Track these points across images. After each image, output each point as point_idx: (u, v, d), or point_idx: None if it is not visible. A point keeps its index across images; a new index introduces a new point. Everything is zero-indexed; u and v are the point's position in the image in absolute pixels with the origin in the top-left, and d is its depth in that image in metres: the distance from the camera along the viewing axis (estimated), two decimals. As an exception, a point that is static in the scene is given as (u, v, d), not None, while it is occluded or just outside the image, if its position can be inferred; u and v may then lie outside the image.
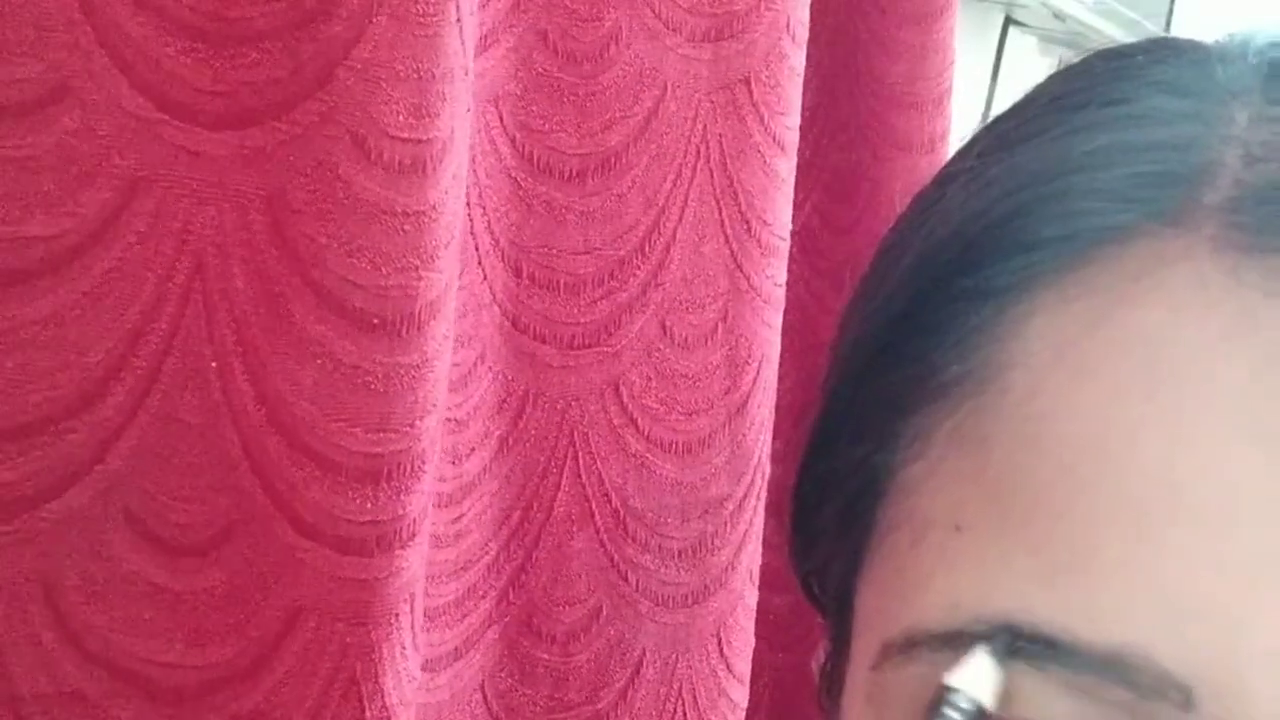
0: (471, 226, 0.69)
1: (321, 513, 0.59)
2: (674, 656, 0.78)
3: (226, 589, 0.60)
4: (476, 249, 0.69)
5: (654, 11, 0.73)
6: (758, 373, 0.78)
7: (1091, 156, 0.37)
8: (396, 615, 0.61)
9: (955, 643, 0.35)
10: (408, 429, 0.59)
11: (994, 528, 0.35)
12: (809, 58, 0.86)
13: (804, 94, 0.87)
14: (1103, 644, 0.32)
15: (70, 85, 0.56)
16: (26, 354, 0.57)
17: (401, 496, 0.59)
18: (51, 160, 0.56)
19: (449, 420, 0.68)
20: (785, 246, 0.78)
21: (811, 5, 0.85)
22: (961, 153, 0.43)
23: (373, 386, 0.58)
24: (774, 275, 0.78)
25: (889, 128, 0.87)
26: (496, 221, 0.70)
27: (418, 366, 0.59)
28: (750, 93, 0.76)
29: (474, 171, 0.68)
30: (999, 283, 0.37)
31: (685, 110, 0.75)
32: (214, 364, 0.59)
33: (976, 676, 0.34)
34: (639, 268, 0.75)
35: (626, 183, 0.73)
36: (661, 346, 0.76)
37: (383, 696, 0.61)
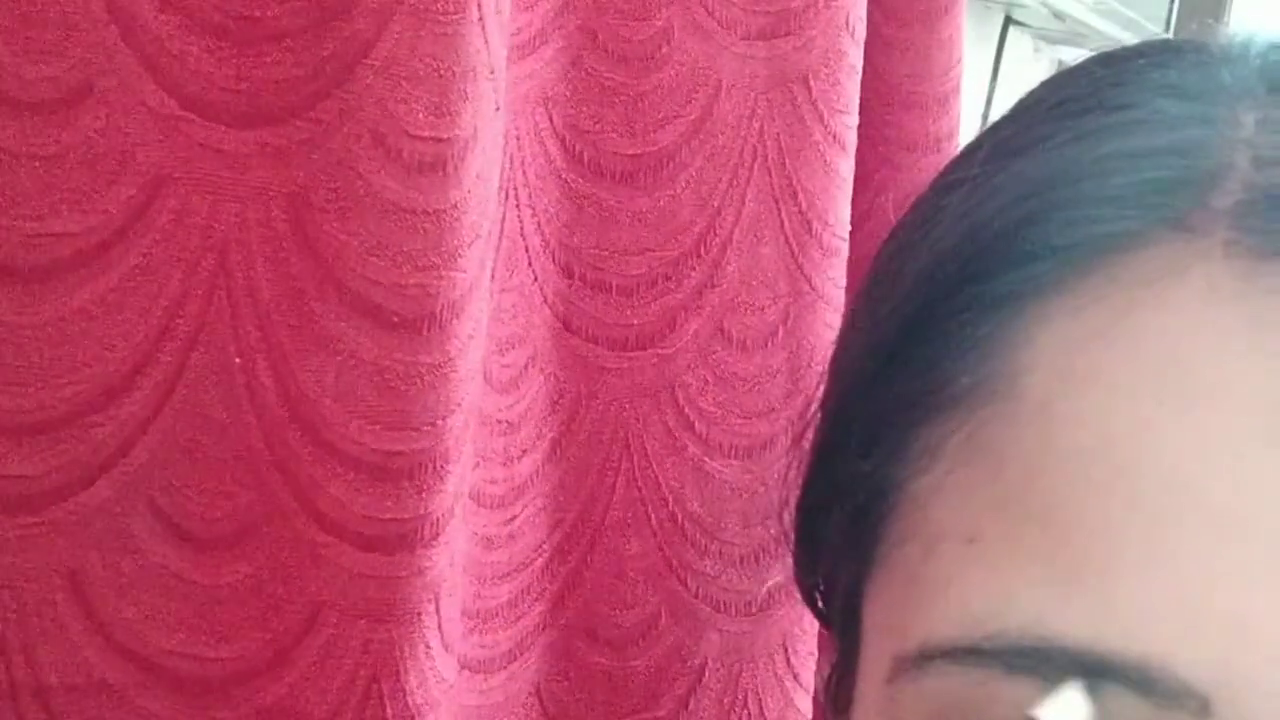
0: (521, 228, 0.68)
1: (343, 509, 0.59)
2: (738, 666, 0.78)
3: (250, 583, 0.61)
4: (527, 250, 0.69)
5: (707, 9, 0.72)
6: (821, 377, 0.77)
7: (1099, 163, 0.37)
8: (419, 614, 0.61)
9: (970, 655, 0.34)
10: (429, 428, 0.59)
11: (1008, 538, 0.34)
12: None
13: None
14: (1122, 654, 0.32)
15: (95, 83, 0.57)
16: (53, 349, 0.58)
17: (423, 495, 0.59)
18: (76, 158, 0.57)
19: (499, 422, 0.68)
20: (845, 247, 0.77)
21: None
22: (961, 159, 0.42)
23: (393, 384, 0.58)
24: (835, 277, 0.77)
25: (893, 127, 0.86)
26: (547, 223, 0.70)
27: (439, 365, 0.59)
28: (809, 91, 0.75)
29: (524, 173, 0.68)
30: (1009, 291, 0.37)
31: (740, 109, 0.74)
32: (238, 359, 0.59)
33: (1067, 710, 0.33)
34: (694, 269, 0.74)
35: (680, 183, 0.73)
36: (719, 349, 0.75)
37: (405, 695, 0.61)
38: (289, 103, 0.57)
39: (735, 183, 0.74)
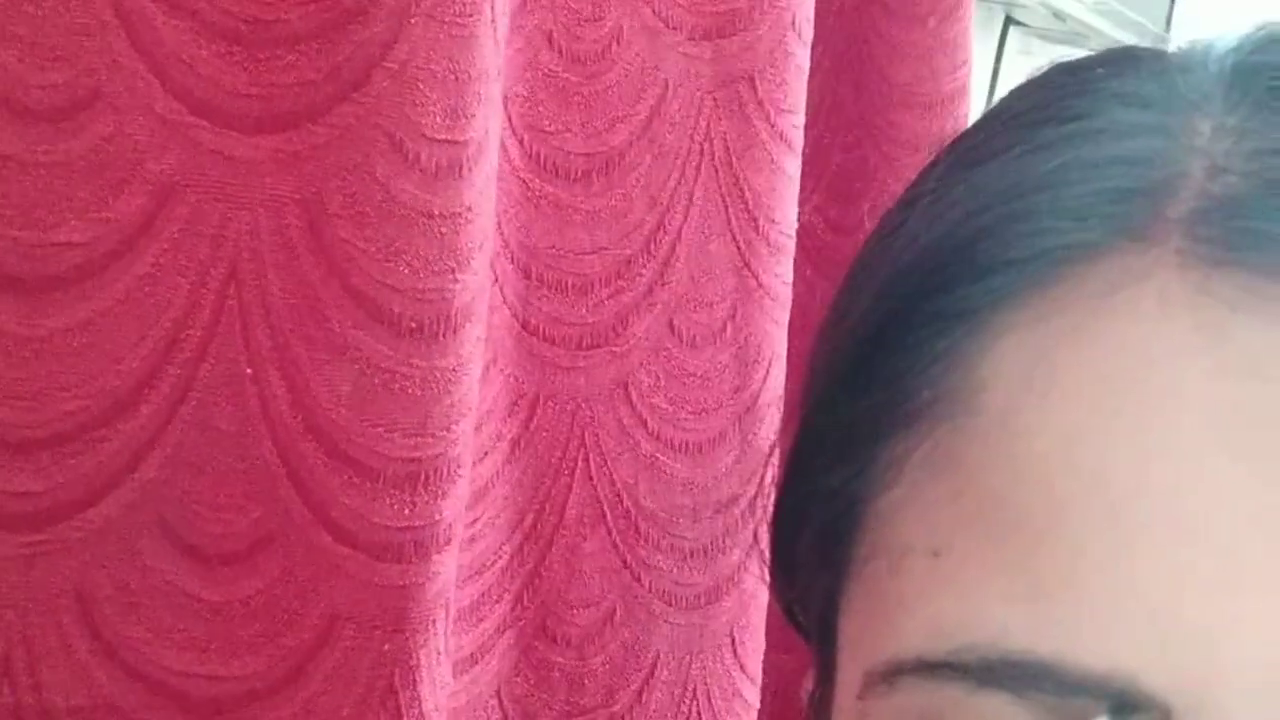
0: None
1: (359, 519, 0.58)
2: (688, 658, 0.78)
3: (263, 599, 0.60)
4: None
5: (653, 10, 0.73)
6: (767, 371, 0.78)
7: (1054, 174, 0.37)
8: (434, 621, 0.60)
9: (938, 670, 0.34)
10: (444, 433, 0.59)
11: (972, 552, 0.35)
12: (814, 56, 0.87)
13: (807, 93, 0.88)
14: (1087, 667, 0.32)
15: (103, 90, 0.56)
16: (60, 361, 0.56)
17: (439, 501, 0.59)
18: (84, 166, 0.56)
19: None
20: (792, 244, 0.78)
21: (818, 3, 0.85)
22: (925, 173, 0.43)
23: (410, 391, 0.58)
24: (782, 273, 0.78)
25: (896, 128, 0.87)
26: (507, 223, 0.70)
27: (454, 370, 0.59)
28: (755, 90, 0.76)
29: None
30: (967, 305, 0.37)
31: (687, 108, 0.74)
32: (249, 370, 0.58)
33: None
34: (645, 267, 0.74)
35: (631, 182, 0.73)
36: (670, 346, 0.76)
37: (420, 704, 0.60)
38: (304, 107, 0.57)
39: (683, 181, 0.75)
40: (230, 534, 0.59)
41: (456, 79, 0.57)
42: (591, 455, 0.74)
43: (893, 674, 0.36)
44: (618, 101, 0.72)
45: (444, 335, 0.58)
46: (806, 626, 0.46)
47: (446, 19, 0.56)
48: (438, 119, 0.57)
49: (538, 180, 0.71)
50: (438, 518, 0.59)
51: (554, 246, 0.71)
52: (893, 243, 0.41)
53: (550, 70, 0.70)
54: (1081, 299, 0.35)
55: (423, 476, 0.58)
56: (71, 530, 0.57)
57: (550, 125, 0.69)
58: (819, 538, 0.42)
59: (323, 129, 0.57)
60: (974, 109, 0.88)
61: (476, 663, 0.71)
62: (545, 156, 0.71)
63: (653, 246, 0.74)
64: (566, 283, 0.72)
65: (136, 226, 0.57)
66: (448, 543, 0.60)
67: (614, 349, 0.74)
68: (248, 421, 0.59)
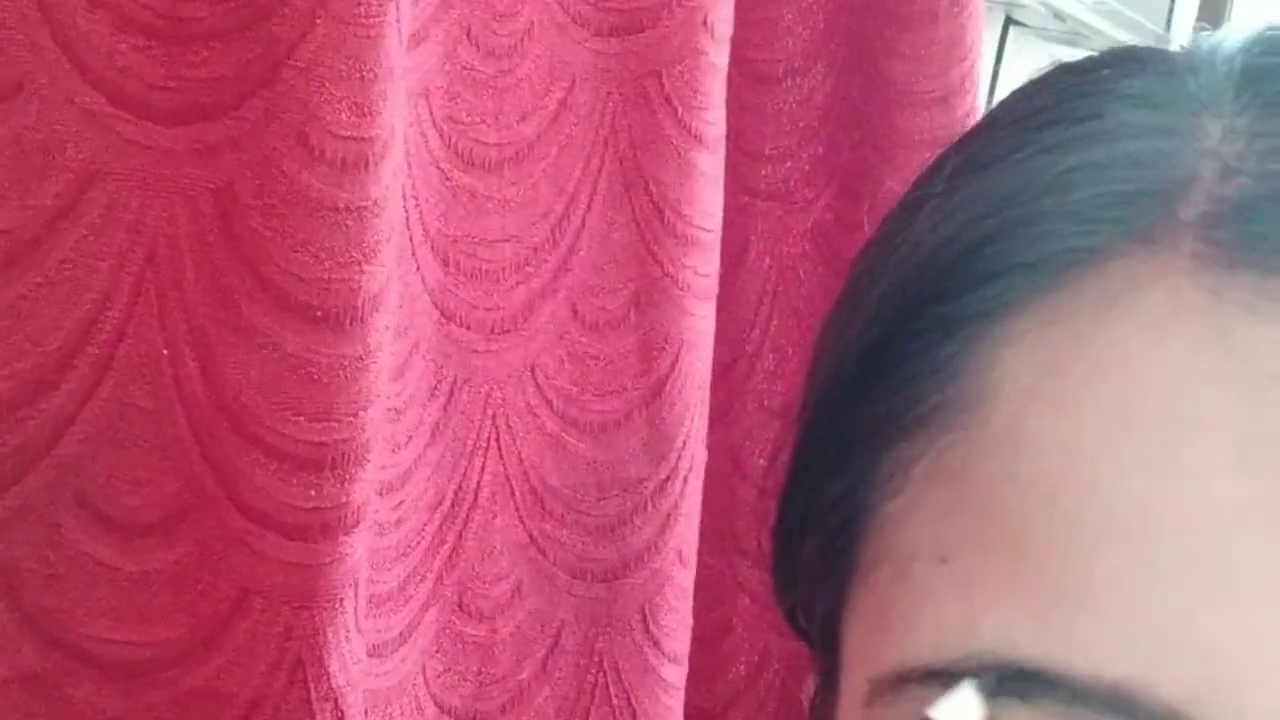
0: (406, 219, 0.70)
1: (267, 498, 0.61)
2: (593, 630, 0.79)
3: (176, 570, 0.62)
4: (410, 240, 0.70)
5: (562, 7, 0.74)
6: (676, 358, 0.79)
7: (1062, 177, 0.36)
8: (341, 600, 0.62)
9: (944, 679, 0.34)
10: (350, 419, 0.61)
11: (979, 561, 0.34)
12: (824, 57, 0.87)
13: (818, 94, 0.89)
14: (1099, 677, 0.31)
15: (25, 81, 0.58)
16: (-18, 342, 0.59)
17: (345, 485, 0.61)
18: (6, 154, 0.58)
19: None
20: (710, 238, 0.79)
21: (829, 4, 0.86)
22: (928, 175, 0.41)
23: (316, 377, 0.60)
24: (694, 265, 0.78)
25: (893, 127, 0.87)
26: (428, 212, 0.71)
27: (360, 358, 0.61)
28: (661, 86, 0.77)
29: (408, 164, 0.69)
30: (973, 310, 0.36)
31: (593, 102, 0.76)
32: (165, 351, 0.61)
33: (960, 712, 0.33)
34: (550, 254, 0.76)
35: (539, 172, 0.75)
36: (573, 330, 0.77)
37: (328, 679, 0.63)
38: (216, 101, 0.59)
39: (588, 171, 0.76)
40: (146, 506, 0.62)
41: (362, 77, 0.58)
42: (502, 436, 0.76)
43: (899, 681, 0.35)
44: (528, 94, 0.74)
45: (350, 324, 0.60)
46: (809, 632, 0.45)
47: (352, 20, 0.58)
48: (343, 115, 0.59)
49: (456, 170, 0.72)
50: (344, 500, 0.61)
51: (469, 235, 0.73)
52: (897, 246, 0.40)
53: (467, 64, 0.72)
54: (1090, 304, 0.34)
55: (329, 460, 0.61)
56: (-6, 505, 0.60)
57: (467, 117, 0.71)
58: (822, 545, 0.41)
59: (234, 122, 0.59)
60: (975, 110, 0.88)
61: (405, 642, 0.73)
62: (462, 147, 0.72)
63: (557, 235, 0.76)
64: (481, 269, 0.74)
65: (57, 212, 0.59)
66: (355, 525, 0.62)
67: (522, 333, 0.76)
68: (164, 400, 0.61)
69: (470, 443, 0.74)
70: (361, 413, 0.61)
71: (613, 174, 0.76)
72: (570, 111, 0.74)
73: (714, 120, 0.77)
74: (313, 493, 0.61)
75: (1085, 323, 0.34)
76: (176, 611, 0.62)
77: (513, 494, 0.75)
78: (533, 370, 0.75)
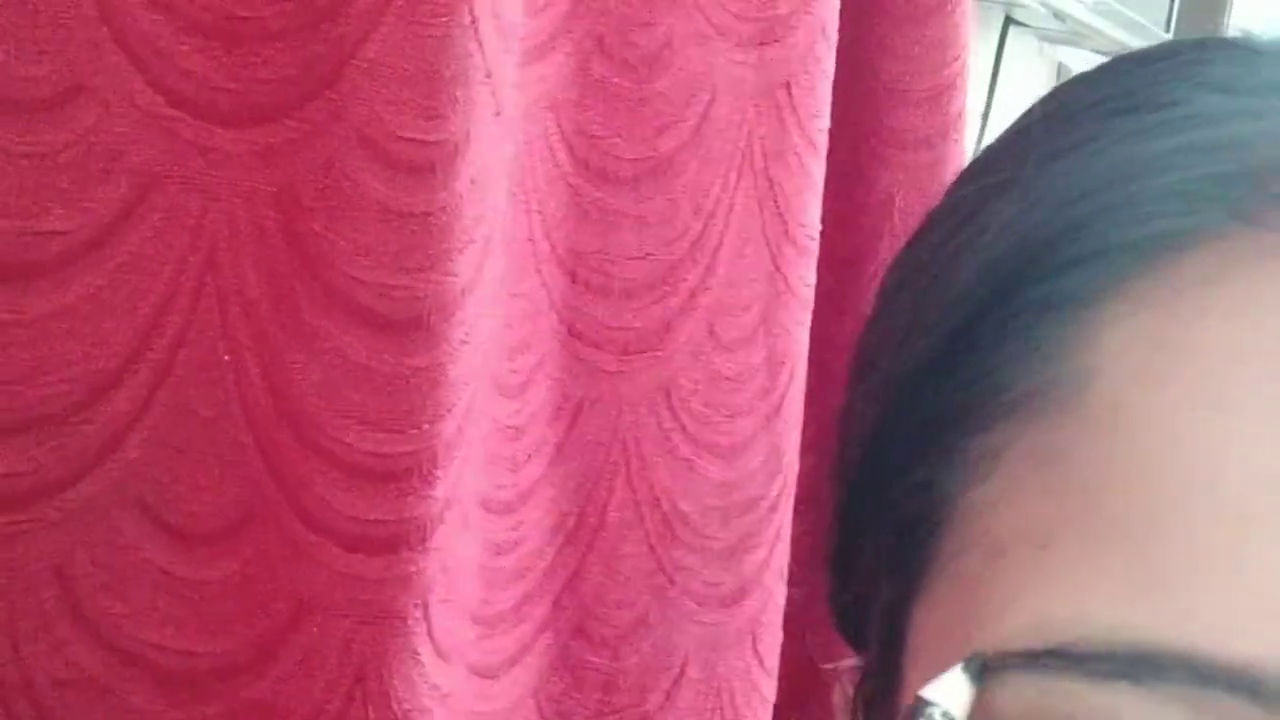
0: (530, 233, 0.69)
1: (327, 507, 0.60)
2: (714, 656, 0.79)
3: (238, 579, 0.61)
4: (535, 255, 0.69)
5: (705, 17, 0.73)
6: (791, 373, 0.78)
7: (1153, 160, 0.36)
8: (405, 619, 0.61)
9: (1052, 661, 0.33)
10: (415, 431, 0.59)
11: (1083, 544, 0.34)
12: None
13: None
14: (1227, 656, 0.31)
15: (86, 83, 0.57)
16: (42, 346, 0.58)
17: (409, 499, 0.60)
18: (68, 156, 0.57)
19: (507, 428, 0.69)
20: (815, 246, 0.78)
21: None
22: (990, 164, 0.41)
23: (379, 385, 0.59)
24: (805, 276, 0.77)
25: (883, 124, 0.86)
26: (555, 228, 0.70)
27: (427, 369, 0.59)
28: (790, 96, 0.76)
29: (532, 178, 0.68)
30: (1069, 293, 0.36)
31: (733, 115, 0.75)
32: (227, 357, 0.60)
33: (950, 691, 0.33)
34: (689, 272, 0.75)
35: (678, 188, 0.73)
36: (708, 350, 0.76)
37: (390, 700, 0.61)
38: (278, 102, 0.57)
39: (726, 187, 0.75)
40: (207, 514, 0.61)
41: (429, 79, 0.57)
42: (633, 460, 0.75)
43: (997, 667, 0.35)
44: (667, 108, 0.73)
45: (415, 333, 0.58)
46: (860, 631, 0.45)
47: (419, 19, 0.56)
48: (409, 118, 0.57)
49: (586, 185, 0.71)
50: (408, 515, 0.60)
51: (600, 251, 0.72)
52: (978, 233, 0.39)
53: (600, 76, 0.71)
54: (1187, 286, 0.34)
55: (391, 472, 0.59)
56: (53, 509, 0.59)
57: (599, 130, 0.70)
58: (894, 539, 0.41)
59: (296, 124, 0.58)
60: (974, 109, 0.87)
61: (516, 663, 0.72)
62: (594, 161, 0.71)
63: (697, 253, 0.75)
64: (612, 288, 0.73)
65: (117, 216, 0.58)
66: (423, 541, 0.60)
67: (657, 354, 0.75)
68: (225, 407, 0.60)
69: (597, 466, 0.73)
70: (428, 425, 0.59)
71: (748, 189, 0.75)
72: (710, 125, 0.73)
73: (824, 127, 0.77)
74: (374, 504, 0.59)
75: (1183, 304, 0.34)
76: (235, 622, 0.61)
77: (642, 520, 0.74)
78: (666, 392, 0.74)
